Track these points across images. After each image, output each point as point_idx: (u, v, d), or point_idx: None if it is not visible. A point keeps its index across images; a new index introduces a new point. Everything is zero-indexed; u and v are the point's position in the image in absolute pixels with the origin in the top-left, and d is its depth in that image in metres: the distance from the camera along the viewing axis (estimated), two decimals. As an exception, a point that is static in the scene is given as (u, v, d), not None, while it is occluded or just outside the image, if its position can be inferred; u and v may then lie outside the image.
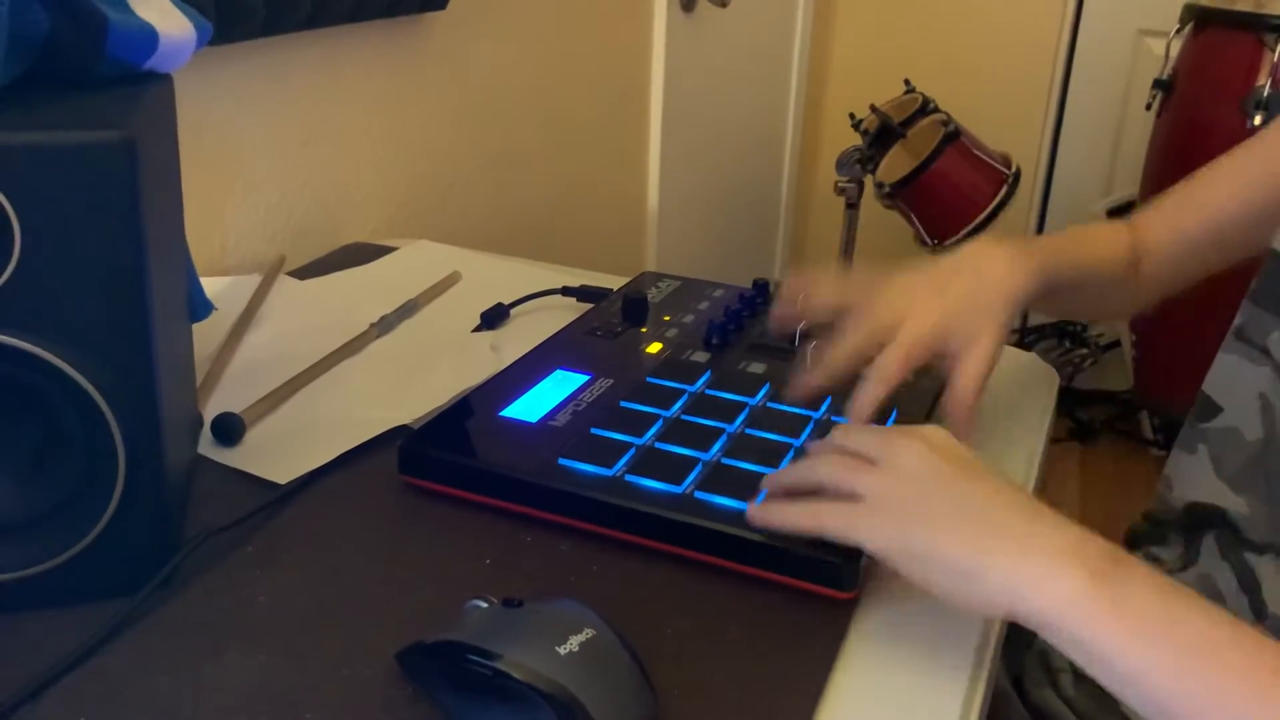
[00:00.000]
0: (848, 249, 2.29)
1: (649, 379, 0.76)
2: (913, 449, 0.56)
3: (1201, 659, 0.46)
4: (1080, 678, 0.80)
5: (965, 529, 0.52)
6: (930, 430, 0.57)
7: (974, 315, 0.69)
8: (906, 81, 2.36)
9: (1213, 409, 0.77)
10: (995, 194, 2.18)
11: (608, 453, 0.65)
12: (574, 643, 0.47)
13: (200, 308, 0.79)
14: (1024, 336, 2.61)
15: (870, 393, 0.67)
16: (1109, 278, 0.82)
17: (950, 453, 0.56)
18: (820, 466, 0.59)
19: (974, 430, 0.66)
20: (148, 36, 0.59)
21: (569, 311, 0.95)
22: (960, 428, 0.65)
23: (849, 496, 0.56)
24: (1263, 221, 0.78)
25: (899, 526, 0.53)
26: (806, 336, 0.82)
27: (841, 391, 0.70)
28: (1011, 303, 0.71)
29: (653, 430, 0.68)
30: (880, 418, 0.70)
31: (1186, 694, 0.46)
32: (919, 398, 0.73)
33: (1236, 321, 0.76)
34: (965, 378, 0.67)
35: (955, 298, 0.69)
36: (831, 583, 0.57)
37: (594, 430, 0.68)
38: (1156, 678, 0.46)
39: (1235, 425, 0.74)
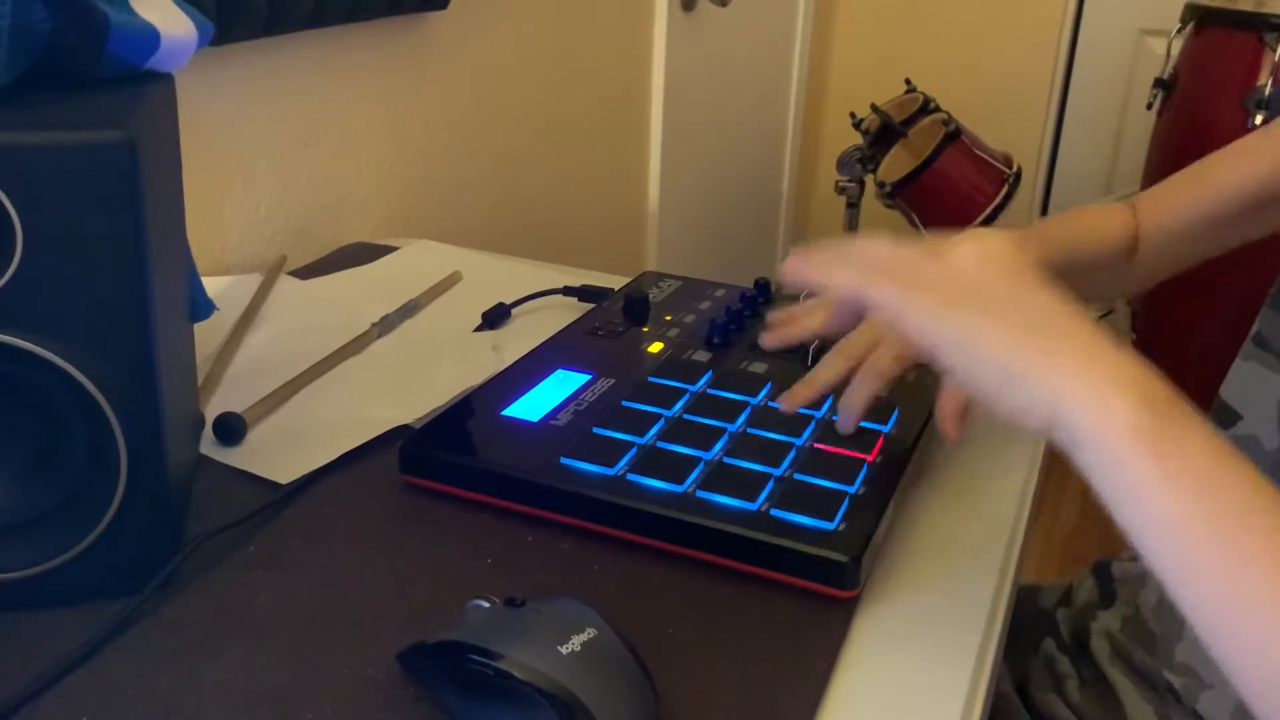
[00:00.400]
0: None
1: (650, 378, 0.76)
2: (972, 251, 0.52)
3: (1237, 522, 0.43)
4: (1086, 684, 0.80)
5: (1022, 327, 0.48)
6: (992, 238, 0.53)
7: None
8: (907, 81, 2.36)
9: (1231, 417, 0.76)
10: (996, 193, 2.18)
11: (609, 452, 0.65)
12: (576, 642, 0.47)
13: (202, 307, 0.79)
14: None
15: (862, 390, 0.66)
16: (1107, 259, 0.81)
17: (1013, 261, 0.52)
18: (872, 245, 0.54)
19: (964, 432, 0.62)
20: (149, 36, 0.59)
21: (570, 311, 0.95)
22: (949, 430, 0.61)
23: (900, 276, 0.51)
24: (1261, 209, 0.77)
25: (951, 310, 0.49)
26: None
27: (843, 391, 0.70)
28: None
29: (654, 429, 0.68)
30: (881, 418, 0.70)
31: (1213, 553, 0.43)
32: (920, 395, 0.73)
33: (1255, 328, 0.76)
34: None
35: None
36: (833, 582, 0.57)
37: (595, 429, 0.68)
38: (1185, 529, 0.43)
39: (1254, 433, 0.74)
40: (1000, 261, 0.51)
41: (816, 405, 0.71)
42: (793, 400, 0.67)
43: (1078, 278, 0.80)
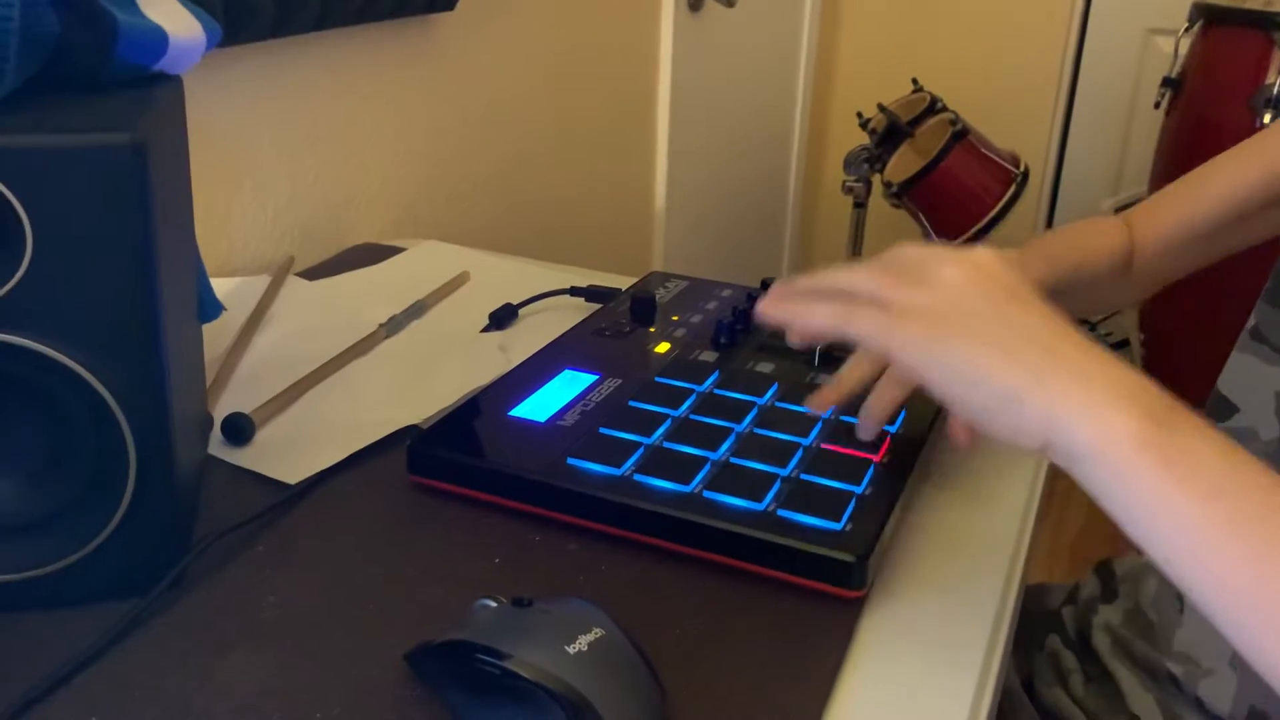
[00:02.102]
0: (855, 248, 2.29)
1: (657, 379, 0.76)
2: (960, 270, 0.51)
3: (1257, 522, 0.42)
4: (1090, 678, 0.80)
5: (1012, 347, 0.47)
6: (982, 253, 0.52)
7: None
8: (914, 80, 2.36)
9: (1228, 408, 0.76)
10: (1003, 193, 2.17)
11: (616, 452, 0.65)
12: (583, 642, 0.47)
13: (210, 308, 0.79)
14: (1032, 336, 2.60)
15: (884, 396, 0.66)
16: (1104, 275, 0.82)
17: (1002, 278, 0.51)
18: (853, 275, 0.53)
19: (974, 439, 0.62)
20: (157, 39, 0.59)
21: (577, 311, 0.95)
22: (960, 438, 0.61)
23: (883, 307, 0.51)
24: (1256, 216, 0.78)
25: (938, 337, 0.49)
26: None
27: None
28: None
29: (661, 430, 0.68)
30: (889, 418, 0.70)
31: (1235, 555, 0.42)
32: (927, 397, 0.73)
33: (1251, 321, 0.76)
34: None
35: None
36: (840, 582, 0.57)
37: (602, 430, 0.68)
38: (1203, 534, 0.43)
39: (1251, 425, 0.74)
40: (989, 279, 0.51)
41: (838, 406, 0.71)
42: (822, 402, 0.66)
43: (1079, 292, 0.80)
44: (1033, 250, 0.75)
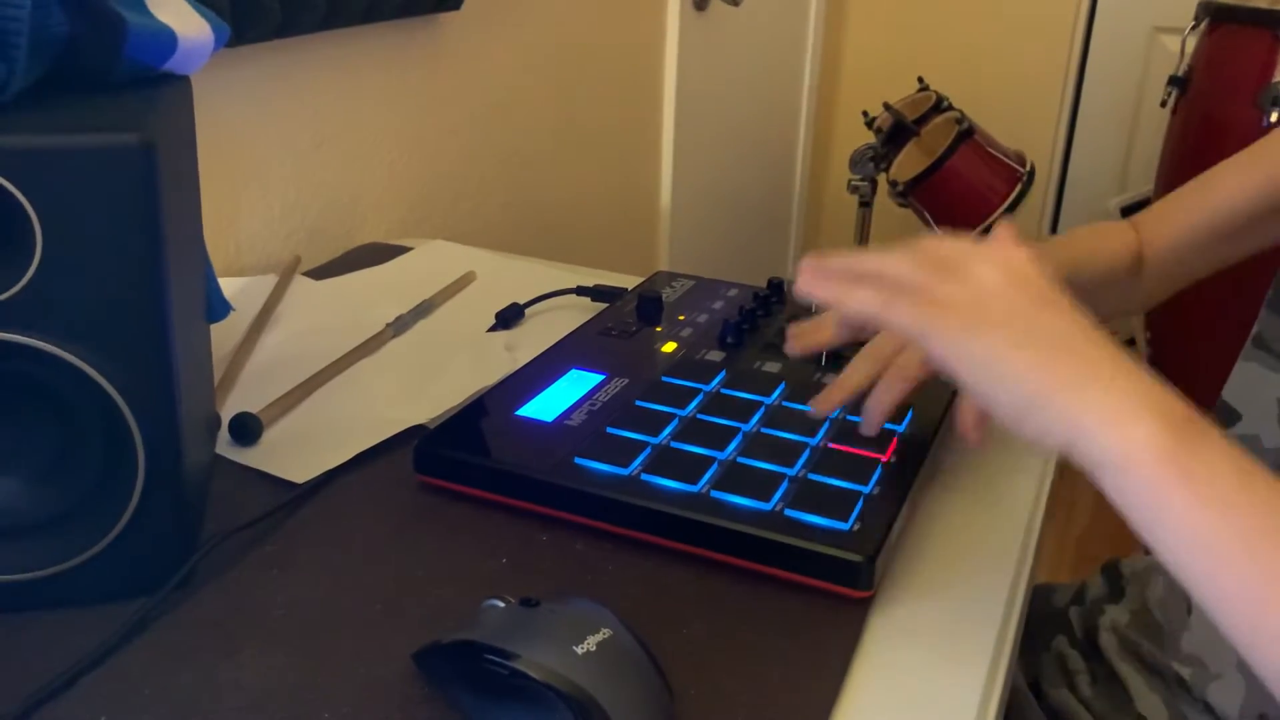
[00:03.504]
0: (861, 248, 2.28)
1: (664, 378, 0.76)
2: (996, 270, 0.51)
3: (1267, 537, 0.43)
4: (1097, 679, 0.80)
5: (1043, 350, 0.48)
6: (1015, 253, 0.53)
7: None
8: (920, 79, 2.36)
9: (1232, 416, 0.76)
10: (1009, 192, 2.17)
11: (623, 452, 0.65)
12: (591, 642, 0.47)
13: (218, 308, 0.80)
14: (1038, 335, 2.60)
15: (888, 393, 0.65)
16: (1108, 277, 0.81)
17: (1036, 281, 0.51)
18: (890, 261, 0.53)
19: (984, 435, 0.62)
20: (166, 39, 0.59)
21: (583, 311, 0.95)
22: (970, 436, 0.60)
23: (923, 298, 0.51)
24: (1264, 220, 0.77)
25: (974, 332, 0.49)
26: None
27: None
28: None
29: (668, 429, 0.68)
30: (896, 418, 0.70)
31: (1244, 569, 0.43)
32: (935, 394, 0.73)
33: (1255, 328, 0.76)
34: None
35: None
36: (848, 582, 0.57)
37: (609, 429, 0.68)
38: (1216, 548, 0.44)
39: (1255, 433, 0.74)
40: (1023, 281, 0.51)
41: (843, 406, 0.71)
42: (826, 404, 0.66)
43: (1087, 298, 0.80)
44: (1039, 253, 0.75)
